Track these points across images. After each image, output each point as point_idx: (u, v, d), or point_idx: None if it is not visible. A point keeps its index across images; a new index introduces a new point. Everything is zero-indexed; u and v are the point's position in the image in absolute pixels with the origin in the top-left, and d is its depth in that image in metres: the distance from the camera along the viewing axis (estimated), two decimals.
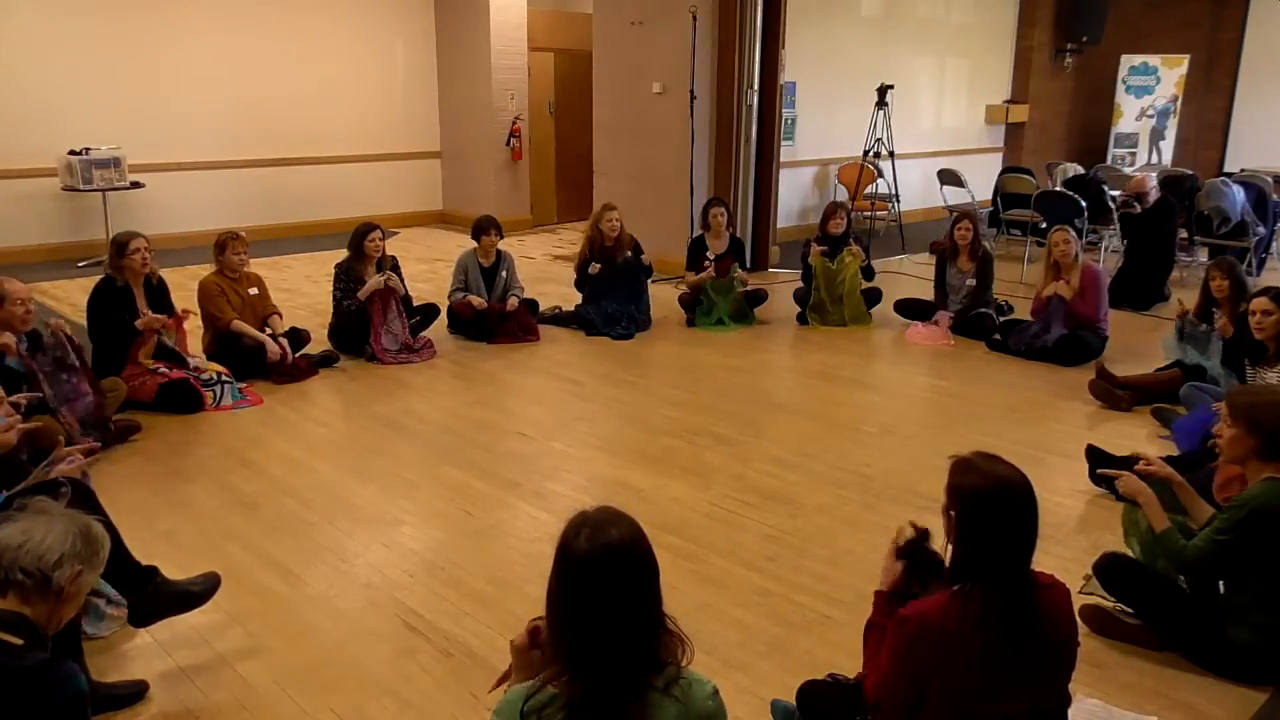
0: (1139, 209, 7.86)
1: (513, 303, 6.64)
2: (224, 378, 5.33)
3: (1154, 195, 7.85)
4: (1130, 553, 3.18)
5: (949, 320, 6.79)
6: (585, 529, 1.70)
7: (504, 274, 6.75)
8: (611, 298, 6.86)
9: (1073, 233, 6.29)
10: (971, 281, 6.80)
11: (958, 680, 2.04)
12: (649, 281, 7.19)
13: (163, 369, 5.16)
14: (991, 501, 2.04)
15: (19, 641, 1.90)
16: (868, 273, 7.17)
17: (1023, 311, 6.96)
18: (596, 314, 6.82)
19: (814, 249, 7.07)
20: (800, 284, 7.31)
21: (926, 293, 7.20)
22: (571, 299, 7.15)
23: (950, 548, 2.12)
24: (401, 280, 6.22)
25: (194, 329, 5.60)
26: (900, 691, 2.09)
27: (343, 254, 6.29)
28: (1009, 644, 2.02)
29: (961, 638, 2.02)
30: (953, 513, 2.09)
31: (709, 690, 1.72)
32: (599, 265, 6.86)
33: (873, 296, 7.19)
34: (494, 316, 6.58)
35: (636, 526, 1.74)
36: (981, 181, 10.56)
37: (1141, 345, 6.44)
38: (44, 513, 2.06)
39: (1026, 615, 2.04)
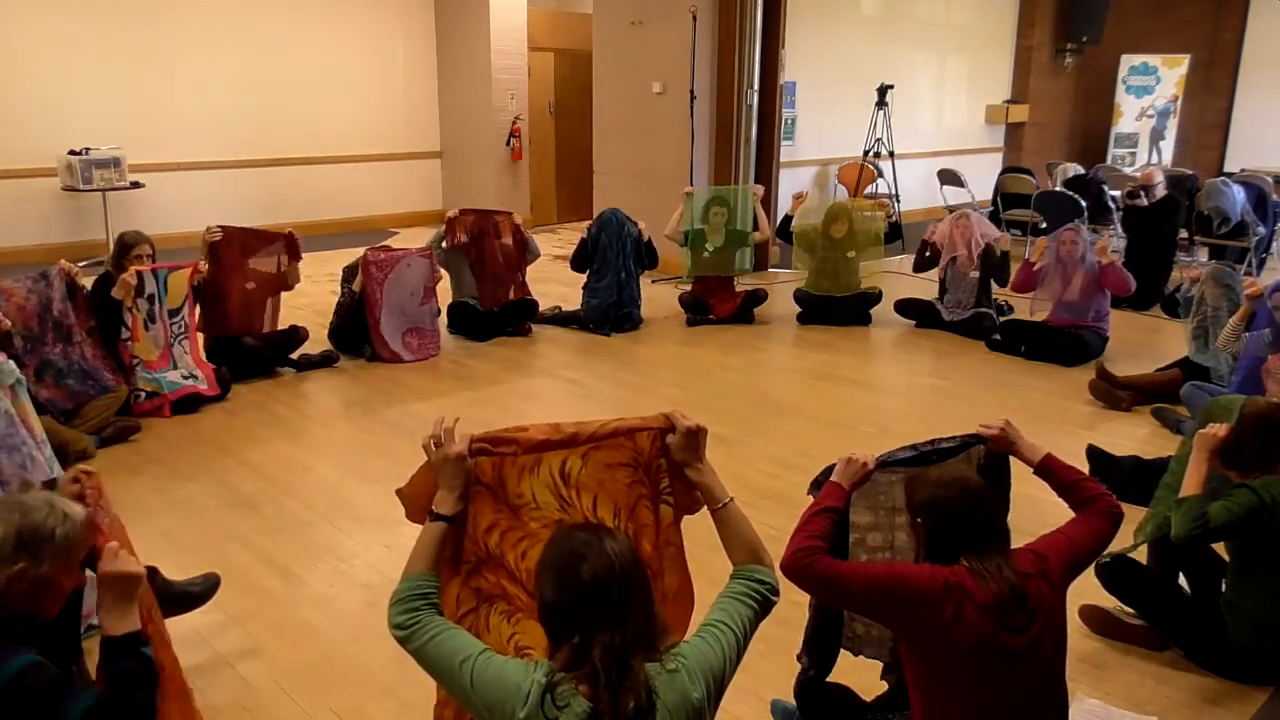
0: (1145, 201, 7.86)
1: None
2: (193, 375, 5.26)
3: (1161, 190, 7.85)
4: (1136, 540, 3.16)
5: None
6: (579, 550, 1.72)
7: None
8: (611, 269, 6.84)
9: (1084, 232, 6.28)
10: (974, 274, 6.78)
11: (947, 670, 2.06)
12: (647, 263, 7.13)
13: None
14: (950, 498, 2.13)
15: None
16: (894, 231, 7.19)
17: (1023, 311, 6.96)
18: (593, 309, 6.83)
19: (795, 202, 7.22)
20: (801, 285, 7.31)
21: (926, 292, 7.21)
22: (572, 300, 7.15)
23: (923, 556, 2.17)
24: None
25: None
26: (848, 593, 2.15)
27: (343, 253, 6.27)
28: (996, 633, 2.02)
29: (953, 625, 2.02)
30: (918, 520, 2.17)
31: (695, 645, 1.83)
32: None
33: (873, 297, 7.17)
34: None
35: (609, 529, 1.84)
36: (981, 181, 10.55)
37: (1141, 345, 6.43)
38: None
39: (1012, 603, 2.03)
